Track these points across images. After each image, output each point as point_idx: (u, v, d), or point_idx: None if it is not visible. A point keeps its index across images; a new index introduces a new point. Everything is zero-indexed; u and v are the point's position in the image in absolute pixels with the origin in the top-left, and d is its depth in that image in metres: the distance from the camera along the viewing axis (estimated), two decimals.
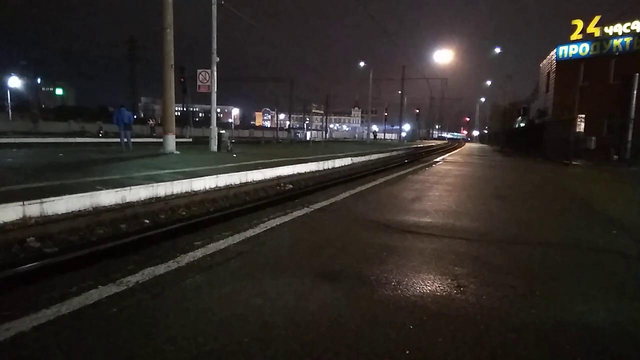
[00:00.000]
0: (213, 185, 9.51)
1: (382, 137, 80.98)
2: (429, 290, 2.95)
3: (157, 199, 7.77)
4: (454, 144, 64.57)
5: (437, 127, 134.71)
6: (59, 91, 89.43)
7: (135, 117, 18.75)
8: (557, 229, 5.30)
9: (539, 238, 4.69)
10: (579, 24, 28.37)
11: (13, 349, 2.05)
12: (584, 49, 28.09)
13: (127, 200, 7.33)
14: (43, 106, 77.41)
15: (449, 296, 2.85)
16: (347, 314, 2.51)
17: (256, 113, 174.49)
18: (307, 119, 79.57)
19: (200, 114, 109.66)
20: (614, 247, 4.41)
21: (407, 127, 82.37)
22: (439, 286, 3.02)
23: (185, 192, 8.63)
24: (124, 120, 16.50)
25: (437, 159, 20.33)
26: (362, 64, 57.60)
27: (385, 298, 2.78)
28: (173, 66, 15.92)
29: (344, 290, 2.90)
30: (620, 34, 26.71)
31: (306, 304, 2.64)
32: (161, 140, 17.02)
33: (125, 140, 16.65)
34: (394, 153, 28.87)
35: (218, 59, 18.69)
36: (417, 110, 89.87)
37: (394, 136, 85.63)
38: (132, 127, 17.60)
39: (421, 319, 2.46)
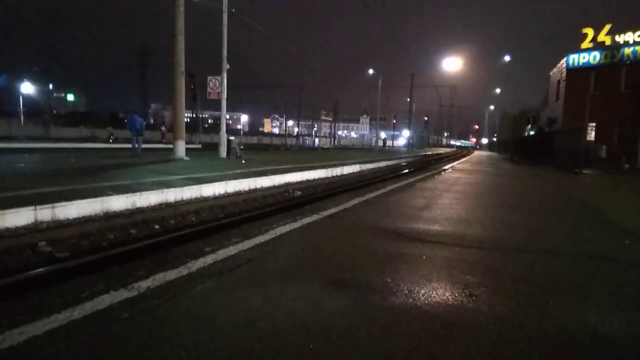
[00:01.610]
0: (222, 192, 9.55)
1: (391, 144, 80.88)
2: (441, 298, 2.93)
3: (167, 205, 7.81)
4: (462, 152, 64.37)
5: (445, 134, 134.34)
6: (70, 97, 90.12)
7: (145, 123, 19.37)
8: (569, 237, 5.25)
9: (551, 247, 4.64)
10: (590, 32, 28.25)
11: (26, 353, 2.06)
12: (595, 57, 27.95)
13: (138, 205, 7.38)
14: (55, 112, 78.20)
15: (460, 305, 2.82)
16: (358, 322, 2.49)
17: (265, 120, 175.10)
18: (316, 126, 79.69)
19: (209, 121, 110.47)
20: (627, 257, 4.36)
21: (406, 133, 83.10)
22: (450, 295, 3.00)
23: (195, 198, 8.67)
24: (135, 126, 16.84)
25: (446, 167, 20.26)
26: (371, 71, 57.75)
27: (396, 306, 2.76)
28: (184, 73, 16.05)
29: (355, 298, 2.89)
30: (631, 42, 26.55)
31: (317, 311, 2.63)
32: (171, 146, 17.14)
33: (137, 145, 16.95)
34: (403, 160, 28.82)
35: (228, 66, 18.81)
36: (426, 118, 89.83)
37: (403, 143, 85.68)
38: (143, 133, 17.95)
39: (433, 328, 2.45)
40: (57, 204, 6.12)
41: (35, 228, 5.69)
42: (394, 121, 75.63)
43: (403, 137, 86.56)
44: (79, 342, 2.15)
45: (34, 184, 7.74)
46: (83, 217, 6.41)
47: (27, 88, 58.24)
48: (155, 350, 2.11)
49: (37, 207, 5.86)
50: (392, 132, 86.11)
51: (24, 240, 5.20)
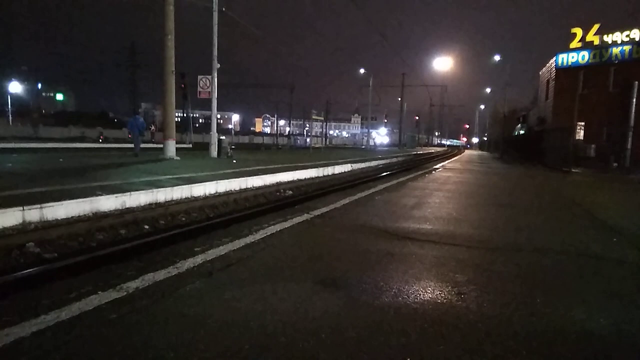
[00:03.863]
0: (213, 191, 9.51)
1: (384, 143, 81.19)
2: (430, 297, 2.94)
3: (157, 205, 7.76)
4: (453, 151, 64.69)
5: (436, 134, 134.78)
6: (59, 96, 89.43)
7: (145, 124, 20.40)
8: (558, 236, 5.29)
9: (540, 245, 4.68)
10: (579, 32, 28.45)
11: (12, 354, 2.04)
12: (584, 57, 28.15)
13: (127, 205, 7.32)
14: (43, 111, 77.50)
15: (450, 303, 2.84)
16: (348, 321, 2.50)
17: (256, 119, 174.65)
18: (307, 125, 79.68)
19: (200, 120, 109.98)
20: (614, 255, 4.41)
21: (383, 131, 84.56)
22: (439, 293, 3.02)
23: (185, 198, 8.62)
24: (138, 127, 17.17)
25: (437, 166, 20.35)
26: (362, 70, 57.79)
27: (385, 305, 2.77)
28: (174, 72, 15.97)
29: (345, 297, 2.89)
30: (619, 42, 26.78)
31: (306, 311, 2.63)
32: (161, 146, 17.06)
33: (137, 146, 17.28)
34: (394, 160, 28.88)
35: (219, 65, 18.73)
36: (417, 118, 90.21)
37: (387, 141, 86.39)
38: (144, 134, 18.33)
39: (422, 326, 2.46)
40: (45, 205, 6.05)
41: (23, 229, 5.62)
42: (385, 120, 75.82)
43: (379, 135, 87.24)
44: (67, 344, 2.13)
45: (22, 184, 7.66)
46: (72, 217, 6.35)
47: (15, 87, 57.67)
48: (143, 351, 2.10)
49: (25, 207, 5.80)
50: (386, 131, 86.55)
51: (11, 241, 5.14)
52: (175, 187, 8.52)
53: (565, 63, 29.32)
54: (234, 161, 16.58)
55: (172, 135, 16.50)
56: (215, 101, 19.15)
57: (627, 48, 26.30)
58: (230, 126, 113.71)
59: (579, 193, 10.90)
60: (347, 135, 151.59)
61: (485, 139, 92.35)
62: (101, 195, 6.99)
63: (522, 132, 45.52)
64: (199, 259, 3.60)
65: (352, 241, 4.50)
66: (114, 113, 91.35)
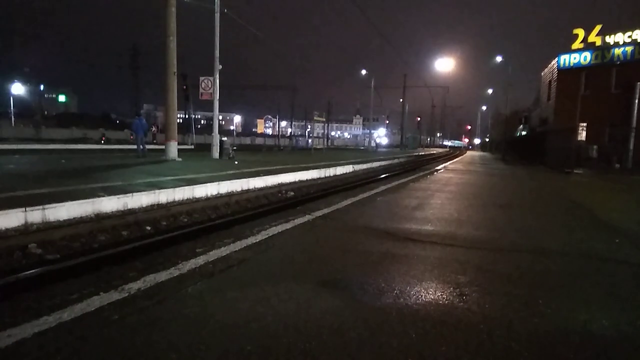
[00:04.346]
0: (215, 193, 9.51)
1: (381, 144, 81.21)
2: (432, 298, 2.94)
3: (159, 206, 7.77)
4: (455, 152, 64.63)
5: (438, 135, 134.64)
6: (61, 98, 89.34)
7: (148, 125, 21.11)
8: (560, 237, 5.28)
9: (542, 246, 4.67)
10: (580, 33, 28.41)
11: (14, 355, 2.04)
12: (585, 57, 28.11)
13: (129, 206, 7.33)
14: (46, 113, 77.65)
15: (451, 305, 2.83)
16: (349, 322, 2.50)
17: (258, 120, 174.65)
18: (309, 127, 79.74)
19: (202, 121, 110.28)
20: (616, 256, 4.40)
21: (382, 131, 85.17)
22: (441, 294, 3.01)
23: (187, 199, 8.63)
24: (142, 128, 17.47)
25: (439, 167, 20.32)
26: (363, 72, 57.83)
27: (387, 306, 2.77)
28: (176, 73, 15.98)
29: (346, 298, 2.89)
30: (621, 43, 26.74)
31: (308, 312, 2.63)
32: (163, 147, 17.10)
33: (142, 147, 17.41)
34: (396, 161, 28.87)
35: (220, 66, 18.76)
36: (419, 119, 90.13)
37: (385, 142, 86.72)
38: (147, 135, 18.68)
39: (424, 328, 2.45)
40: (47, 206, 6.07)
41: (25, 230, 5.64)
42: (387, 121, 75.79)
43: (378, 137, 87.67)
44: (68, 345, 2.13)
45: (24, 185, 7.68)
46: (74, 218, 6.37)
47: (18, 89, 57.82)
48: (145, 351, 2.10)
49: (27, 208, 5.81)
50: (384, 132, 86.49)
51: (13, 242, 5.16)
52: (177, 189, 8.53)
53: (567, 64, 29.28)
54: (236, 162, 16.59)
55: (174, 137, 16.52)
56: (217, 102, 19.19)
57: (629, 49, 26.26)
58: (232, 127, 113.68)
59: (581, 194, 10.87)
60: (348, 137, 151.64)
61: (487, 140, 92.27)
62: (103, 196, 7.00)
63: (524, 133, 45.46)
64: (200, 260, 3.60)
65: (354, 242, 4.50)
66: (116, 114, 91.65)
